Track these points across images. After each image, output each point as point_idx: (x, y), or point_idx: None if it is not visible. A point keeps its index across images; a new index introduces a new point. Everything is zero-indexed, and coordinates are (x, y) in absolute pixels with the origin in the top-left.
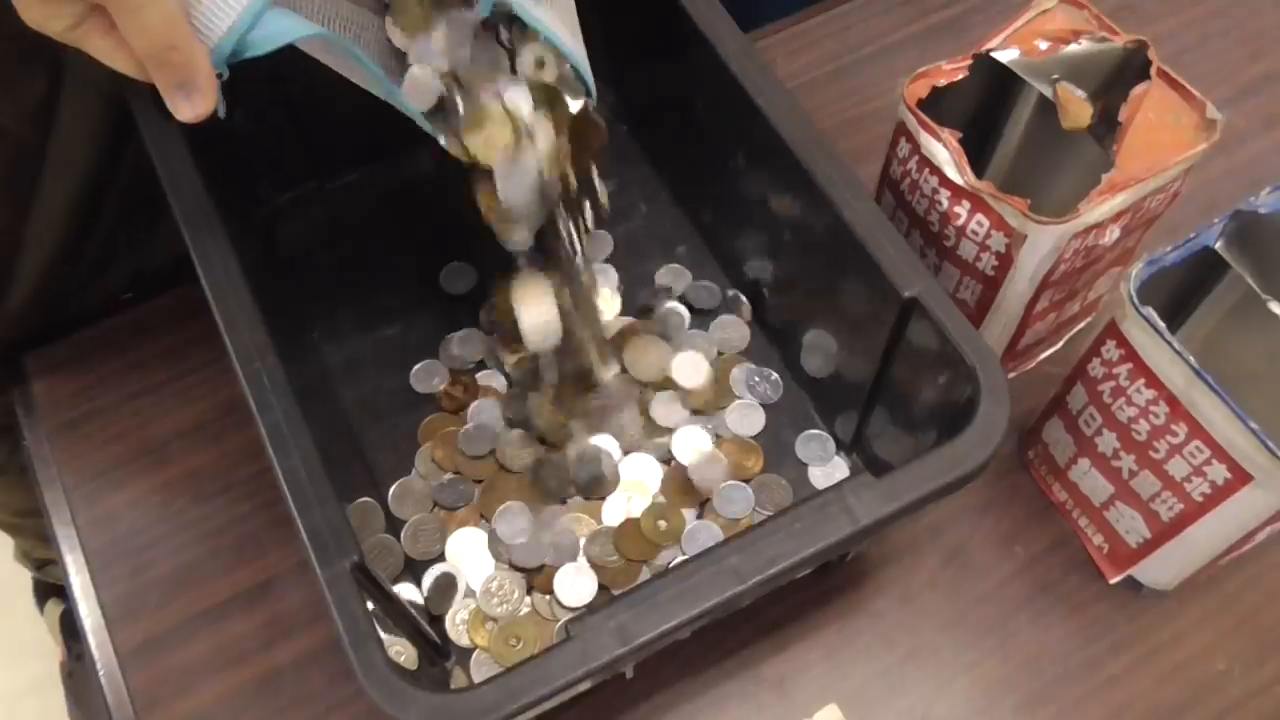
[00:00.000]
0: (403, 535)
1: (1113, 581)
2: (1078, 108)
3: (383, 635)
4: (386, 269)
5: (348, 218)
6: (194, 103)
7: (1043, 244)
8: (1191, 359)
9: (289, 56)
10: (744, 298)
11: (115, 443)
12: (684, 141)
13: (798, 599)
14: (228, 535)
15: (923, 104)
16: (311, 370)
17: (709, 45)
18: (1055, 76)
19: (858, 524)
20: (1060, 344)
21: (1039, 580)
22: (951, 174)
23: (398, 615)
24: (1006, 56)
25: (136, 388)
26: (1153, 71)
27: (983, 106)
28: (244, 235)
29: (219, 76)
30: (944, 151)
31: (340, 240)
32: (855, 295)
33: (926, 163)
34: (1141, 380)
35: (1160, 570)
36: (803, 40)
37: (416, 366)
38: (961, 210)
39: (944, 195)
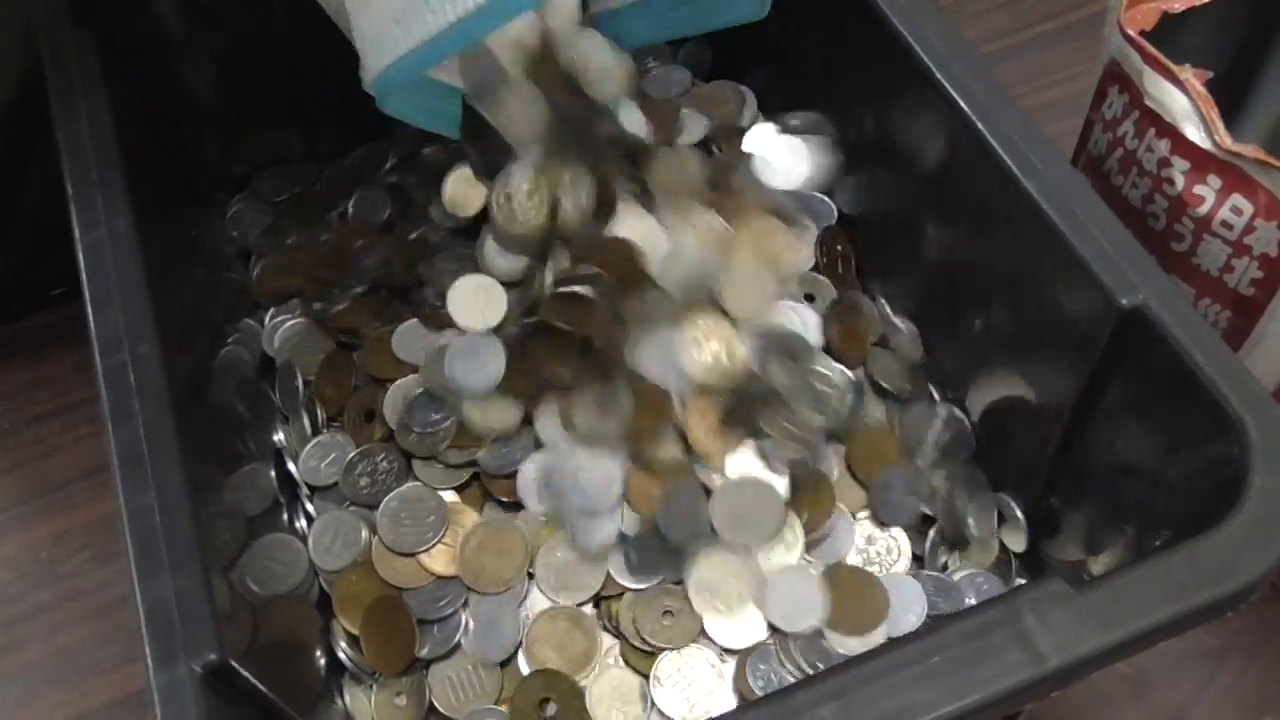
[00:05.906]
0: None
1: None
2: None
3: None
4: None
5: None
6: None
7: None
8: None
9: None
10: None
11: (6, 476)
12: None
13: None
14: (126, 613)
15: (1148, 39)
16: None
17: None
18: None
19: (1043, 665)
20: None
21: None
22: (1194, 134)
23: None
24: None
25: (43, 408)
26: None
27: (1236, 47)
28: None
29: None
30: (1183, 100)
31: None
32: (1042, 306)
33: (1152, 119)
34: None
35: None
36: (968, 9)
37: None
38: (1207, 190)
39: (1179, 168)
